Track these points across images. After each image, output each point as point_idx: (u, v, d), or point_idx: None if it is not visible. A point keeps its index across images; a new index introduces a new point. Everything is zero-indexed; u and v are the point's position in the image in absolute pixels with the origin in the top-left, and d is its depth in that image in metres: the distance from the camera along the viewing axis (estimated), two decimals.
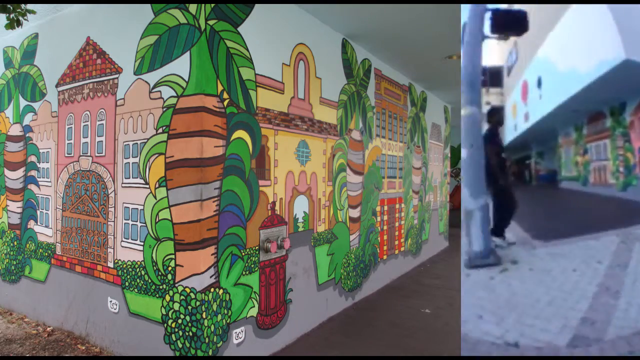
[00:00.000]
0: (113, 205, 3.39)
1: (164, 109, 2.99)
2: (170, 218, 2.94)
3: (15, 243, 4.44)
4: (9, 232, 4.53)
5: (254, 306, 3.28)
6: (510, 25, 3.28)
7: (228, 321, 3.03)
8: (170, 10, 2.96)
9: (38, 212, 4.17)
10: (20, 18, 3.04)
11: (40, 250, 4.12)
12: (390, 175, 5.89)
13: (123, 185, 3.31)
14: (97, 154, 3.54)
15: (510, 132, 10.14)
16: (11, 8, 2.98)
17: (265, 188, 3.40)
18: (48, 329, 3.91)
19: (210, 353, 2.86)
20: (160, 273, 3.02)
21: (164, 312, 3.00)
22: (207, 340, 2.83)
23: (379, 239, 5.51)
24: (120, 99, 3.32)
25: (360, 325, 4.18)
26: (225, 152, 2.98)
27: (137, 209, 3.19)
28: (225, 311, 3.00)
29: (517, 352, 2.05)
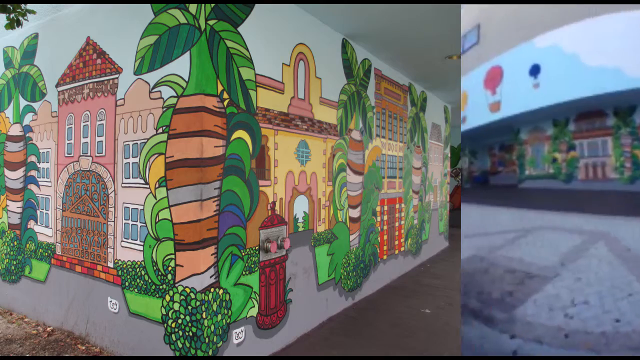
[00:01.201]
0: (113, 205, 3.39)
1: (164, 109, 2.99)
2: (170, 218, 2.95)
3: (15, 243, 4.44)
4: (9, 232, 4.53)
5: (254, 306, 3.28)
6: None
7: (228, 321, 3.03)
8: (170, 10, 2.96)
9: (38, 212, 4.17)
10: (20, 18, 3.05)
11: (40, 250, 4.12)
12: (390, 175, 5.89)
13: (123, 185, 3.31)
14: (97, 154, 3.54)
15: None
16: (11, 8, 2.98)
17: (265, 188, 3.40)
18: (48, 329, 3.91)
19: (210, 353, 2.86)
20: (160, 273, 3.02)
21: (164, 312, 3.00)
22: (207, 340, 2.83)
23: (379, 239, 5.51)
24: (120, 99, 3.32)
25: (360, 325, 4.18)
26: (225, 152, 2.98)
27: (137, 209, 3.19)
28: (225, 311, 3.00)
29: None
